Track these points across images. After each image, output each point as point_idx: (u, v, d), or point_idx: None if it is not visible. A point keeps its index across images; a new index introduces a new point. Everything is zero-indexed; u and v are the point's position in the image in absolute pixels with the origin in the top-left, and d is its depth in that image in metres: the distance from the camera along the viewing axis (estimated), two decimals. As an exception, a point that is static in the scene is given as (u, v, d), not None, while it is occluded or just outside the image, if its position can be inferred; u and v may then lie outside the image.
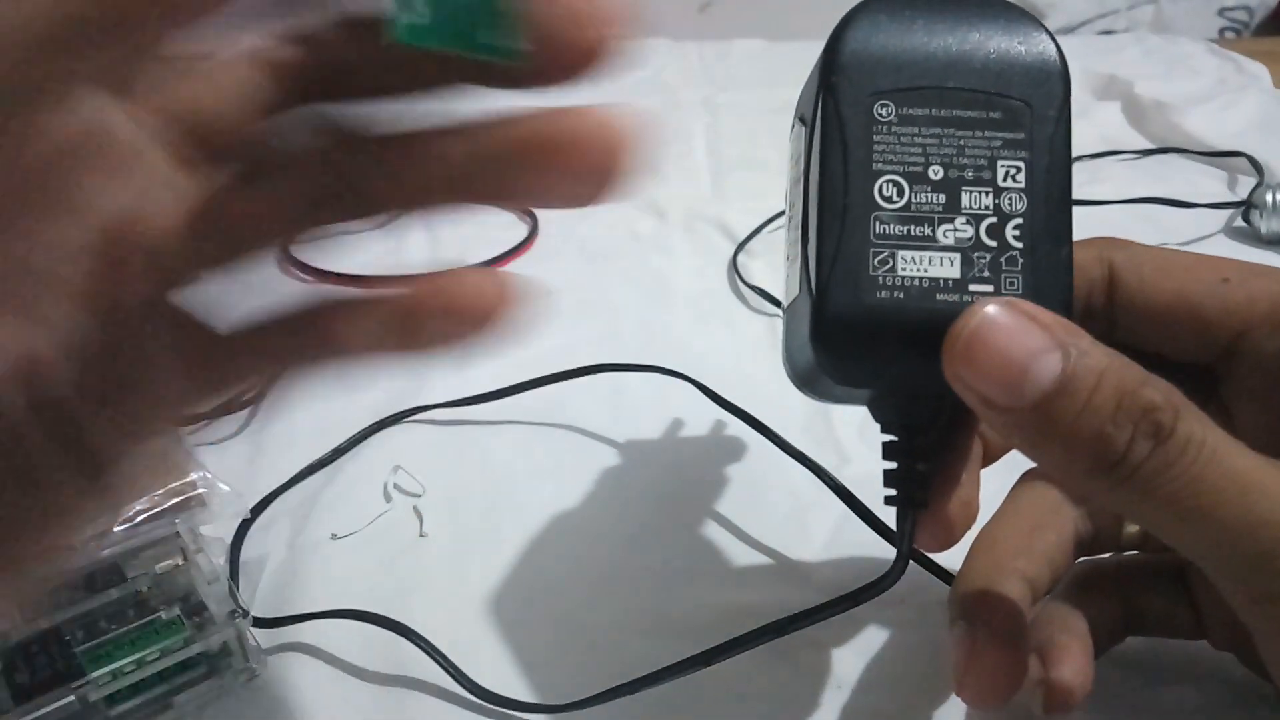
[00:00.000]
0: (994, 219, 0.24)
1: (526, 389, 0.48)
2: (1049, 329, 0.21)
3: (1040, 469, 0.24)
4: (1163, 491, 0.21)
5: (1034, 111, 0.25)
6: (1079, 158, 0.76)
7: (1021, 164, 0.24)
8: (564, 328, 0.56)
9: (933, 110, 0.24)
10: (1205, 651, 0.31)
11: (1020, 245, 0.24)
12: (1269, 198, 0.64)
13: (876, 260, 0.24)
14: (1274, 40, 1.29)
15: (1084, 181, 0.73)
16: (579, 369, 0.48)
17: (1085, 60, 1.00)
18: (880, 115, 0.24)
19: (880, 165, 0.24)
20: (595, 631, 0.36)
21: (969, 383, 0.22)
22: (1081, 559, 0.32)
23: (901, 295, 0.24)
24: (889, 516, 0.39)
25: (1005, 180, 0.24)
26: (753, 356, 0.53)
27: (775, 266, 0.63)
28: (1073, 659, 0.28)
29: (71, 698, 0.31)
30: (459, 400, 0.48)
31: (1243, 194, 0.68)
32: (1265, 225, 0.64)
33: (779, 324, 0.57)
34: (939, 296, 0.24)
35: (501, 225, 0.70)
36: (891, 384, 0.25)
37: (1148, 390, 0.21)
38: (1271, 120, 0.83)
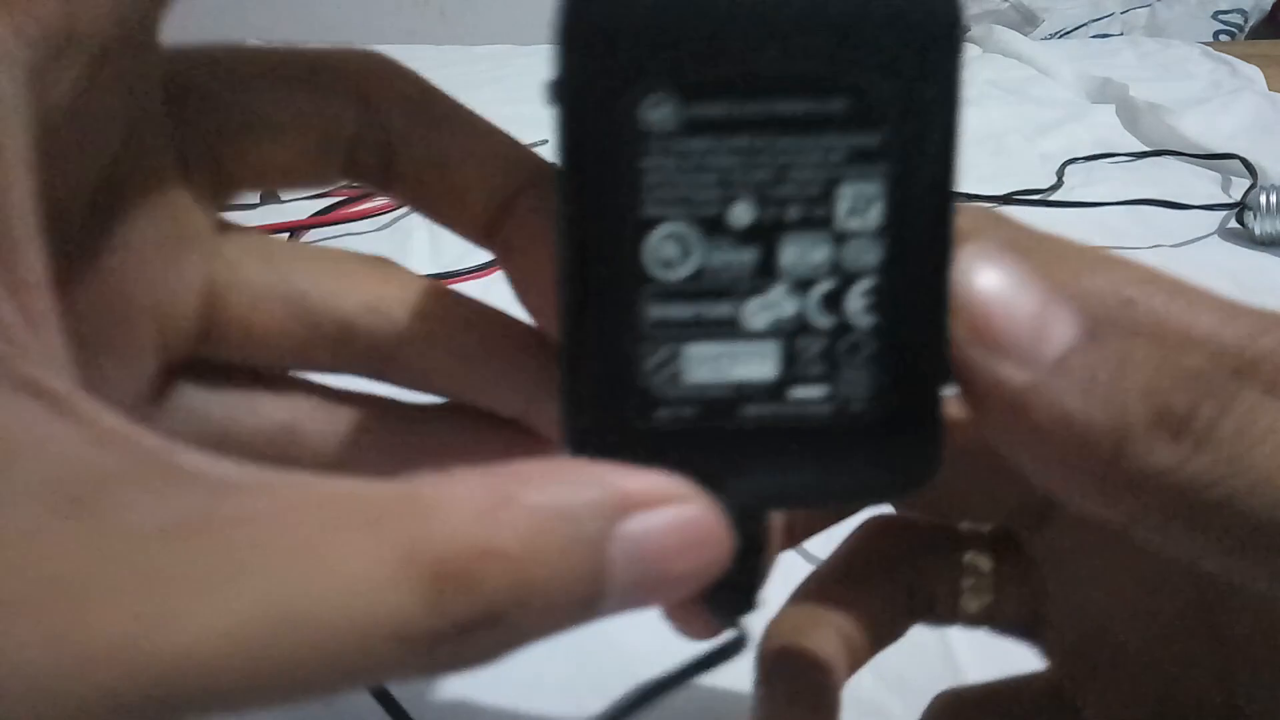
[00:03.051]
0: (831, 283, 0.16)
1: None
2: (1042, 282, 0.17)
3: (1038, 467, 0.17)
4: (1257, 454, 0.15)
5: (903, 94, 0.16)
6: (1072, 160, 0.77)
7: (877, 186, 0.16)
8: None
9: (738, 107, 0.15)
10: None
11: (869, 321, 0.16)
12: (1263, 199, 0.64)
13: (652, 363, 0.16)
14: (1268, 43, 1.30)
15: (1078, 184, 0.74)
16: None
17: (1080, 63, 1.01)
18: (651, 122, 0.15)
19: (653, 208, 0.16)
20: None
21: (981, 360, 0.16)
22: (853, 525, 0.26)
23: (692, 412, 0.16)
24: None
25: (850, 218, 0.16)
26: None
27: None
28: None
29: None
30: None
31: (1236, 196, 0.69)
32: (1259, 227, 0.64)
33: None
34: (748, 410, 0.16)
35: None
36: None
37: (1188, 354, 0.17)
38: (1265, 122, 0.84)
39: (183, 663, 0.11)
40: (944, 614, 0.25)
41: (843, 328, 0.16)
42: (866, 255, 0.16)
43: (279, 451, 0.21)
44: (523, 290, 0.21)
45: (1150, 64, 1.03)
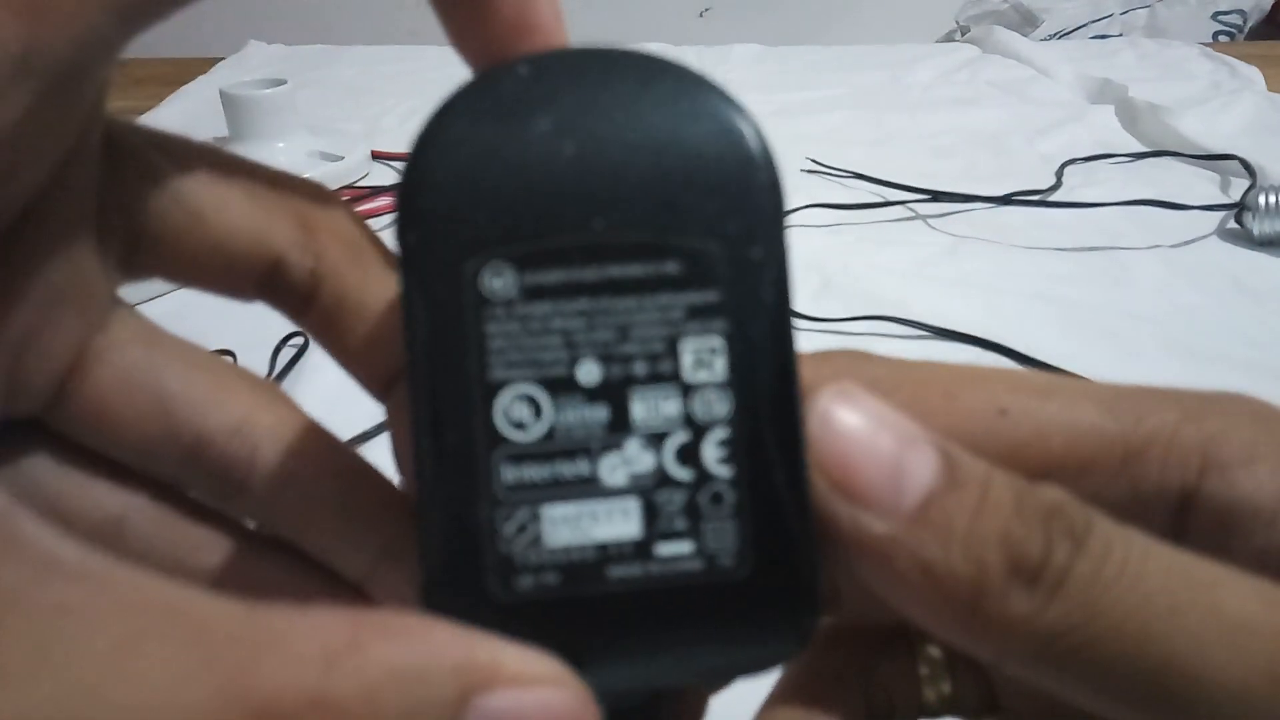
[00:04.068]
0: (685, 435, 0.16)
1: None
2: (901, 420, 0.17)
3: (931, 612, 0.17)
4: (1109, 600, 0.15)
5: (732, 251, 0.16)
6: (1072, 161, 0.77)
7: (719, 340, 0.16)
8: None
9: (574, 273, 0.16)
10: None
11: (728, 472, 0.16)
12: (1262, 200, 0.64)
13: (510, 528, 0.16)
14: (1267, 44, 1.30)
15: (1077, 184, 0.74)
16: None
17: (1080, 64, 1.01)
18: (492, 290, 0.16)
19: (500, 371, 0.16)
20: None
21: (841, 511, 0.16)
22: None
23: (556, 580, 0.16)
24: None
25: (697, 371, 0.16)
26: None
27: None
28: None
29: None
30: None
31: (1236, 196, 0.69)
32: (1258, 227, 0.65)
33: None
34: (614, 572, 0.16)
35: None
36: None
37: (1045, 489, 0.16)
38: (1264, 123, 0.84)
39: None
40: (906, 712, 0.24)
41: (702, 479, 0.16)
42: (717, 406, 0.16)
43: (101, 544, 0.19)
44: (400, 454, 0.20)
45: (1150, 64, 1.04)
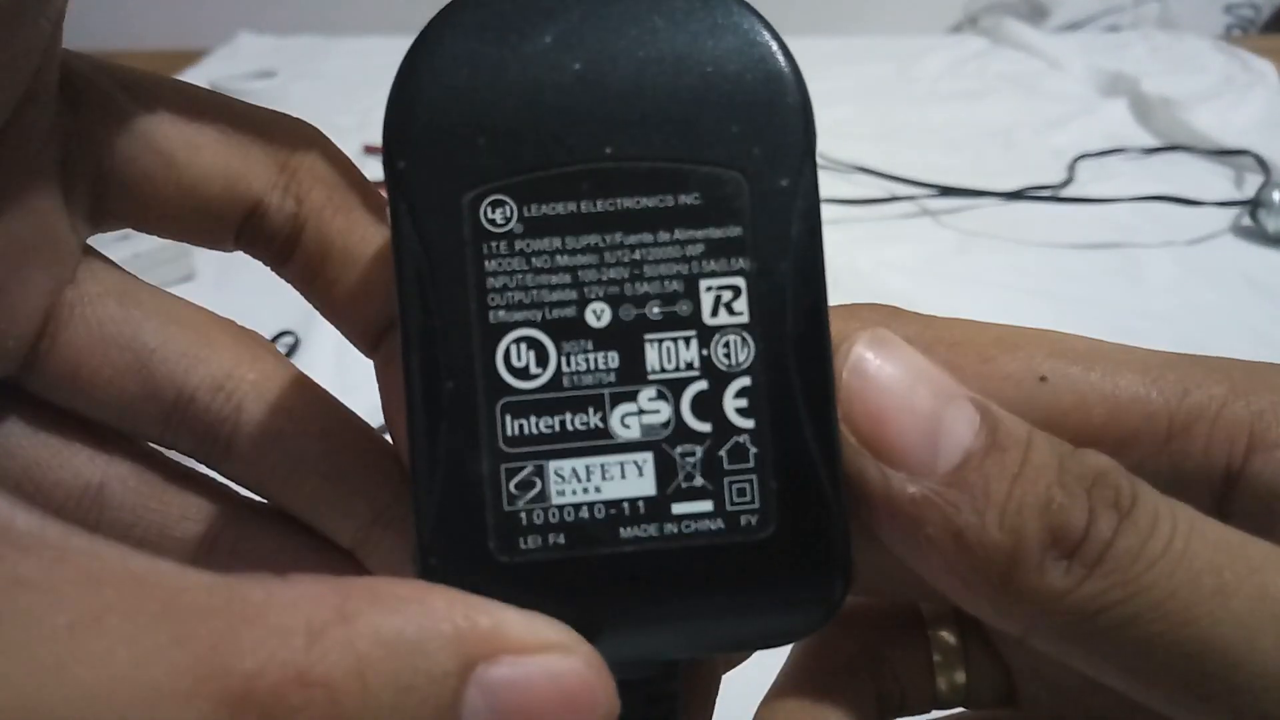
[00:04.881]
0: (703, 383, 0.15)
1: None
2: (939, 373, 0.16)
3: (963, 581, 0.16)
4: (1151, 577, 0.14)
5: (756, 181, 0.15)
6: (1084, 156, 0.75)
7: (740, 281, 0.15)
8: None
9: (582, 204, 0.15)
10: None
11: (750, 424, 0.15)
12: (1276, 196, 0.63)
13: (513, 484, 0.15)
14: (1281, 37, 1.28)
15: (1089, 179, 0.73)
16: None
17: (1091, 56, 1.00)
18: (491, 223, 0.15)
19: (501, 313, 0.15)
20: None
21: (870, 468, 0.15)
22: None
23: (564, 541, 0.15)
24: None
25: (716, 312, 0.15)
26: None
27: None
28: None
29: None
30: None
31: (1249, 192, 0.68)
32: (1272, 223, 0.63)
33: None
34: (626, 533, 0.15)
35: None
36: None
37: (1089, 454, 0.15)
38: (1278, 118, 0.83)
39: None
40: (918, 702, 0.22)
41: (722, 432, 0.15)
42: (739, 352, 0.15)
43: (81, 514, 0.19)
44: (391, 412, 0.19)
45: (1162, 57, 1.02)
